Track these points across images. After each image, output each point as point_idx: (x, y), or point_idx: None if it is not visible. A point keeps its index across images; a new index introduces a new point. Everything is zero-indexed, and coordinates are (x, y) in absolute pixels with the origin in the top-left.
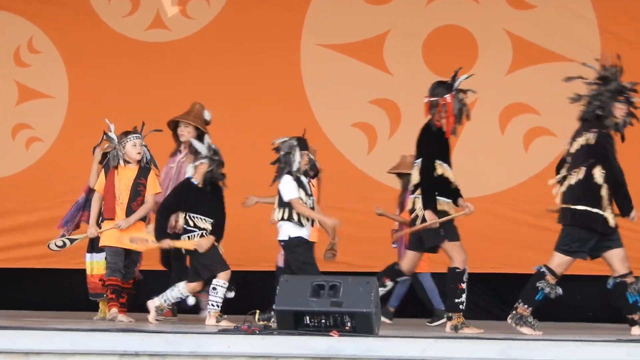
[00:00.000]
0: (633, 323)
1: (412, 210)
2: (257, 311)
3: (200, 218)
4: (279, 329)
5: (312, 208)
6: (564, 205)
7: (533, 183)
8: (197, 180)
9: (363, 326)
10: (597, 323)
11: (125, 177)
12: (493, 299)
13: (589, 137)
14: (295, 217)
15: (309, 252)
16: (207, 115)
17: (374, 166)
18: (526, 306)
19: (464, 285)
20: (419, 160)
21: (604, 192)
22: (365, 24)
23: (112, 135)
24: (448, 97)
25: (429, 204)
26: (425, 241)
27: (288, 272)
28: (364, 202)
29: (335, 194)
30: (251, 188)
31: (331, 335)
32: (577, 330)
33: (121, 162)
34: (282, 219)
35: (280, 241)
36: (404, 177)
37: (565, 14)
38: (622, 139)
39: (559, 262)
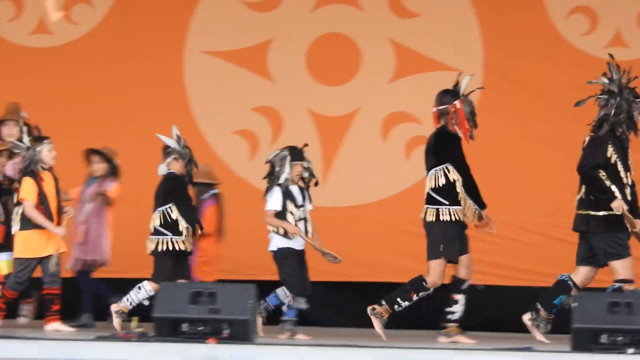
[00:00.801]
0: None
1: (425, 220)
2: (136, 318)
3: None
4: (156, 335)
5: (304, 219)
6: (584, 212)
7: (414, 191)
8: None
9: (240, 333)
10: None
11: (48, 184)
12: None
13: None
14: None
15: (296, 263)
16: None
17: (255, 173)
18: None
19: (456, 296)
20: (439, 168)
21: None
22: (249, 31)
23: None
24: (457, 103)
25: (483, 201)
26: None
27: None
28: (244, 209)
29: None
30: (131, 193)
31: (208, 343)
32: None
33: (39, 168)
34: (272, 230)
35: (270, 251)
36: (198, 186)
37: (448, 23)
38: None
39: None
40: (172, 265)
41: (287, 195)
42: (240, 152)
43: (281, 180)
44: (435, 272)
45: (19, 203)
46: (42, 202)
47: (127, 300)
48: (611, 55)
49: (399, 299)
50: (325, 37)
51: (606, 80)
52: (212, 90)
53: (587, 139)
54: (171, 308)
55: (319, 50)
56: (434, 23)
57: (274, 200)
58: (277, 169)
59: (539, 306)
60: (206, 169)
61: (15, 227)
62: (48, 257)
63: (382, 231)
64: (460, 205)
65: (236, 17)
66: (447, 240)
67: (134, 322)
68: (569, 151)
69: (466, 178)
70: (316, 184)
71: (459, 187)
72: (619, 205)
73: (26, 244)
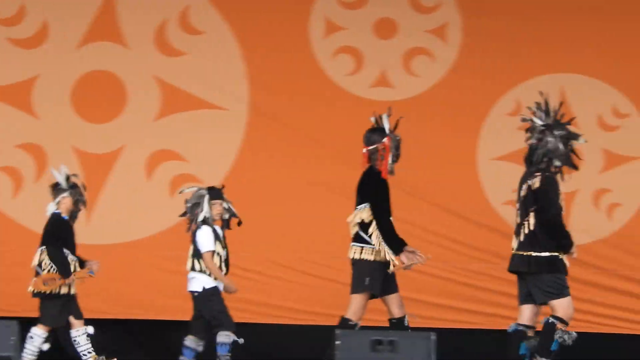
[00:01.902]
0: None
1: (351, 257)
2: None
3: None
4: None
5: (227, 259)
6: (526, 253)
7: (177, 229)
8: (66, 215)
9: None
10: None
11: None
12: (131, 343)
13: (535, 181)
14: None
15: (221, 300)
16: None
17: (19, 210)
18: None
19: None
20: (363, 206)
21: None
22: (14, 67)
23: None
24: (386, 140)
25: (398, 246)
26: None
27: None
28: (6, 245)
29: None
30: None
31: None
32: None
33: None
34: (194, 269)
35: (192, 292)
36: None
37: (215, 62)
38: (577, 168)
39: (562, 305)
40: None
41: (215, 235)
42: (4, 189)
43: (199, 219)
44: (356, 305)
45: None
46: None
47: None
48: (541, 93)
49: None
50: (91, 74)
51: (537, 119)
52: None
53: (538, 179)
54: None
55: (84, 88)
56: (200, 62)
57: (208, 241)
58: (189, 206)
59: None
60: None
61: None
62: None
63: (145, 269)
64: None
65: (0, 53)
66: (372, 275)
67: None
68: (342, 193)
69: (382, 220)
70: (239, 223)
71: (372, 228)
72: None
73: None
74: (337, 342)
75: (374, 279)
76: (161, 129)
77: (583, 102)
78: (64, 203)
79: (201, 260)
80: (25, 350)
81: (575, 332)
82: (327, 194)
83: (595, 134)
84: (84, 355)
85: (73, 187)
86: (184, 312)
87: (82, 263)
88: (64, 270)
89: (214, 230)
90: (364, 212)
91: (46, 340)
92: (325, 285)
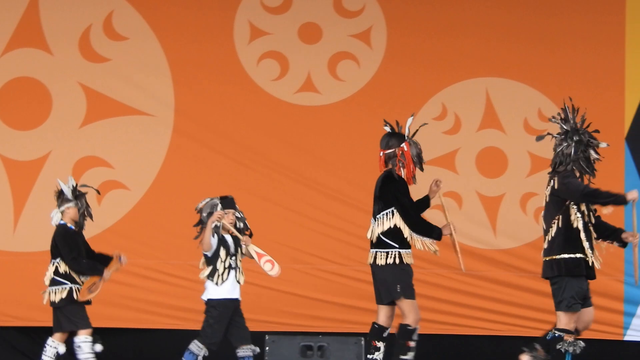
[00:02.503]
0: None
1: (374, 263)
2: None
3: None
4: None
5: (234, 267)
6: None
7: (104, 236)
8: (72, 225)
9: None
10: None
11: None
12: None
13: (553, 184)
14: (215, 276)
15: (225, 312)
16: None
17: None
18: None
19: (412, 344)
20: (388, 211)
21: (582, 235)
22: None
23: None
24: (404, 145)
25: (434, 231)
26: (383, 295)
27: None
28: None
29: None
30: None
31: None
32: None
33: None
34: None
35: (203, 299)
36: None
37: (141, 68)
38: (594, 175)
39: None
40: None
41: (222, 242)
42: None
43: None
44: (411, 311)
45: None
46: None
47: None
48: (570, 98)
49: (401, 357)
50: (15, 81)
51: (560, 121)
52: None
53: (558, 177)
54: None
55: (8, 94)
56: (125, 68)
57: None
58: (204, 215)
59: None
60: None
61: None
62: None
63: None
64: (409, 248)
65: None
66: (402, 280)
67: None
68: (268, 199)
69: (414, 220)
70: (250, 235)
71: (407, 232)
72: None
73: None
74: (267, 348)
75: (405, 283)
76: (87, 136)
77: (509, 105)
78: (68, 213)
79: (210, 268)
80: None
81: (511, 335)
82: (253, 199)
83: (522, 137)
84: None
85: (78, 198)
86: (113, 320)
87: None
88: (96, 271)
89: (222, 238)
90: (395, 218)
91: (94, 341)
92: (255, 291)
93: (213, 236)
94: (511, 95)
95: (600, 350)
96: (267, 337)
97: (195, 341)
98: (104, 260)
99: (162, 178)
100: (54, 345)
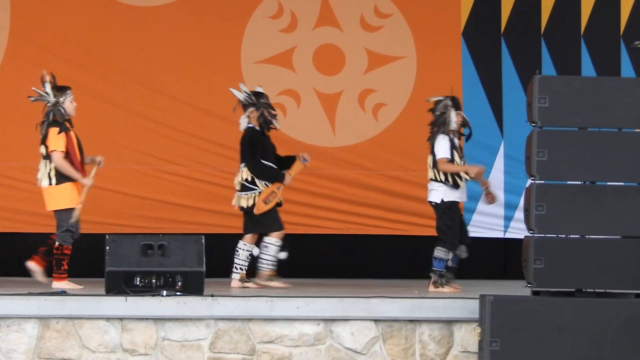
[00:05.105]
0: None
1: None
2: None
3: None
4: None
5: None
6: None
7: None
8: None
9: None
10: None
11: (72, 135)
12: None
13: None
14: (450, 178)
15: (456, 216)
16: None
17: None
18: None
19: None
20: None
21: None
22: None
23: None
24: None
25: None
26: None
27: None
28: None
29: None
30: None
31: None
32: None
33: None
34: (435, 179)
35: (430, 202)
36: None
37: None
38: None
39: None
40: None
41: (453, 145)
42: None
43: (451, 127)
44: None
45: (45, 156)
46: (69, 153)
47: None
48: None
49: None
50: None
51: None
52: None
53: None
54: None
55: None
56: None
57: (445, 148)
58: (440, 115)
59: None
60: None
61: (47, 181)
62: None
63: None
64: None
65: None
66: None
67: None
68: (108, 100)
69: None
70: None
71: None
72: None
73: (65, 196)
74: (107, 248)
75: None
76: None
77: (345, 2)
78: (253, 117)
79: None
80: (261, 259)
81: (354, 234)
82: (94, 102)
83: (359, 34)
84: (235, 267)
85: (257, 99)
86: None
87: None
88: (275, 177)
89: (452, 140)
90: None
91: (282, 248)
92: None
93: None
94: None
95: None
96: (107, 236)
97: (438, 247)
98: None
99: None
100: (246, 247)
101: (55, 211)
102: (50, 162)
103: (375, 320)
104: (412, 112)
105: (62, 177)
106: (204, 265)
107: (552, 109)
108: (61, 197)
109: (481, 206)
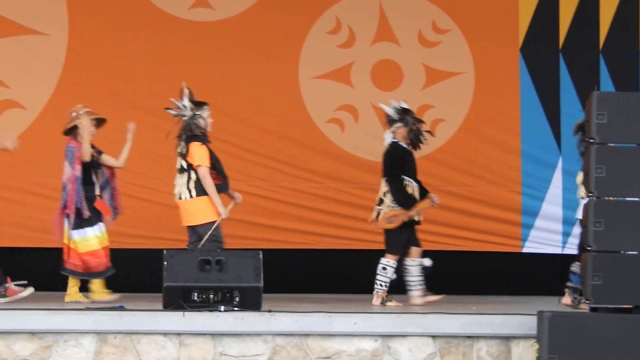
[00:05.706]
0: None
1: None
2: None
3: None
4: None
5: None
6: None
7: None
8: (404, 143)
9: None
10: None
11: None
12: None
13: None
14: None
15: None
16: None
17: None
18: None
19: None
20: None
21: None
22: None
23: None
24: None
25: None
26: None
27: None
28: None
29: None
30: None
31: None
32: None
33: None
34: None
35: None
36: None
37: None
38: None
39: None
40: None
41: None
42: None
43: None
44: None
45: (185, 169)
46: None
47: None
48: None
49: None
50: None
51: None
52: None
53: None
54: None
55: None
56: None
57: None
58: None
59: None
60: None
61: (187, 194)
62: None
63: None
64: None
65: None
66: None
67: None
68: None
69: None
70: None
71: None
72: None
73: (208, 209)
74: (165, 263)
75: None
76: None
77: (403, 18)
78: (399, 133)
79: None
80: (378, 280)
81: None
82: (147, 117)
83: (416, 49)
84: (410, 285)
85: (404, 116)
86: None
87: (422, 190)
88: (404, 203)
89: None
90: None
91: (396, 270)
92: (155, 210)
93: None
94: (405, 8)
95: (499, 262)
96: (165, 252)
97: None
98: (420, 192)
99: (57, 97)
100: (390, 264)
101: (196, 225)
102: (190, 175)
103: (433, 336)
104: (470, 128)
105: (202, 191)
106: (262, 281)
107: (610, 125)
108: (205, 210)
109: (539, 222)
